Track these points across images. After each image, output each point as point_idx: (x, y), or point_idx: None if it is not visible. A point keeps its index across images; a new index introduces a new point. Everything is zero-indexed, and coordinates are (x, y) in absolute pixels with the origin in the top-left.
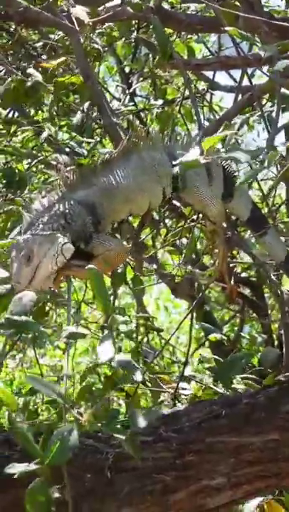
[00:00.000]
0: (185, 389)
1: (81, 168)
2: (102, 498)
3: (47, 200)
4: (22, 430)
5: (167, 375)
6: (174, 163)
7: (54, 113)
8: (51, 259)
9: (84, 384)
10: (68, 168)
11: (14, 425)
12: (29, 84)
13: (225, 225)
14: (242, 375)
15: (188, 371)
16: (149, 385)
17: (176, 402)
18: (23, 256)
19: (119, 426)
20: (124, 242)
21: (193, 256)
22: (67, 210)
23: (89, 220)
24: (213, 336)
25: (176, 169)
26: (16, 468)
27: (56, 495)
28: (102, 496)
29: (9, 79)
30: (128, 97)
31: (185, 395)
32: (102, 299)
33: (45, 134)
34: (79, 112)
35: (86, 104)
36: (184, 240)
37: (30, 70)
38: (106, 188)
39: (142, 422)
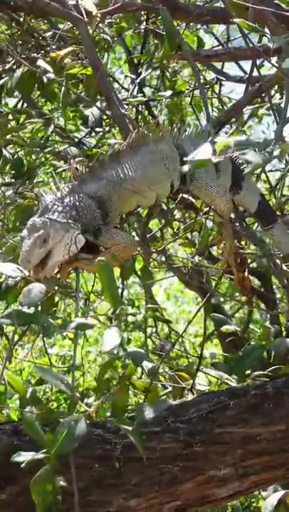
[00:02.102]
0: (201, 384)
1: (90, 161)
2: (109, 489)
3: (59, 191)
4: (29, 419)
5: (187, 372)
6: (184, 159)
7: (65, 105)
8: (64, 247)
9: (103, 378)
10: (78, 160)
11: (23, 414)
12: (42, 78)
13: (233, 216)
14: (256, 373)
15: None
16: (167, 380)
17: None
18: (40, 237)
19: (128, 418)
20: (133, 234)
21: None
22: (77, 203)
23: (98, 214)
24: (226, 328)
25: (186, 167)
26: (23, 457)
27: (62, 483)
28: (109, 487)
29: (19, 71)
30: (137, 87)
31: (201, 391)
32: (110, 292)
33: (52, 127)
34: (95, 108)
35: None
36: (195, 233)
37: (41, 62)
38: (115, 181)
39: (148, 415)
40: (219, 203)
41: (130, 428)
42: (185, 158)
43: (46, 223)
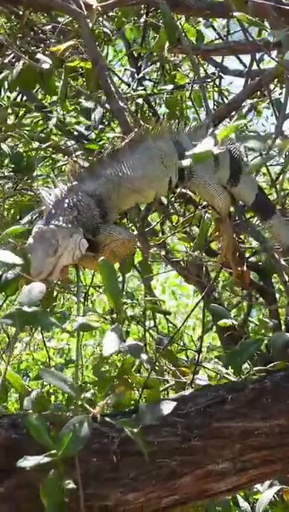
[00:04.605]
0: (200, 379)
1: (89, 155)
2: (107, 483)
3: (59, 191)
4: (35, 423)
5: (187, 368)
6: (186, 153)
7: (63, 97)
8: (69, 253)
9: (97, 372)
10: (77, 154)
11: (27, 418)
12: (40, 71)
13: (232, 209)
14: (256, 368)
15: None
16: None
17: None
18: (51, 246)
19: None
20: (133, 228)
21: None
22: (78, 202)
23: (97, 212)
24: (223, 322)
25: (185, 162)
26: (29, 462)
27: (70, 486)
28: (107, 480)
29: (19, 64)
30: (137, 81)
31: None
32: (112, 292)
33: (53, 121)
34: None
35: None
36: (194, 227)
37: (40, 56)
38: (113, 180)
39: (150, 419)
40: (217, 201)
41: (135, 430)
42: (186, 153)
43: (55, 231)
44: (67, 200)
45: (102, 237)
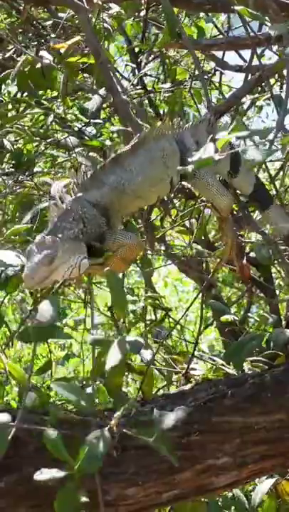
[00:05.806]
0: (195, 369)
1: (90, 151)
2: (107, 477)
3: (61, 191)
4: (52, 438)
5: (181, 356)
6: (186, 155)
7: (65, 93)
8: (67, 269)
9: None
10: (77, 152)
11: (44, 433)
12: (42, 66)
13: (234, 205)
14: (252, 358)
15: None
16: (163, 364)
17: (188, 382)
18: (47, 256)
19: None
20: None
21: (203, 237)
22: (83, 215)
23: (102, 221)
24: (225, 318)
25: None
26: (45, 475)
27: (84, 499)
28: (107, 475)
29: (21, 60)
30: (138, 78)
31: (196, 376)
32: (119, 303)
33: (51, 117)
34: (96, 96)
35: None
36: (193, 220)
37: (42, 52)
38: (116, 187)
39: (168, 423)
40: (219, 202)
41: (151, 439)
42: (189, 159)
43: (56, 243)
44: (73, 214)
45: (110, 243)
